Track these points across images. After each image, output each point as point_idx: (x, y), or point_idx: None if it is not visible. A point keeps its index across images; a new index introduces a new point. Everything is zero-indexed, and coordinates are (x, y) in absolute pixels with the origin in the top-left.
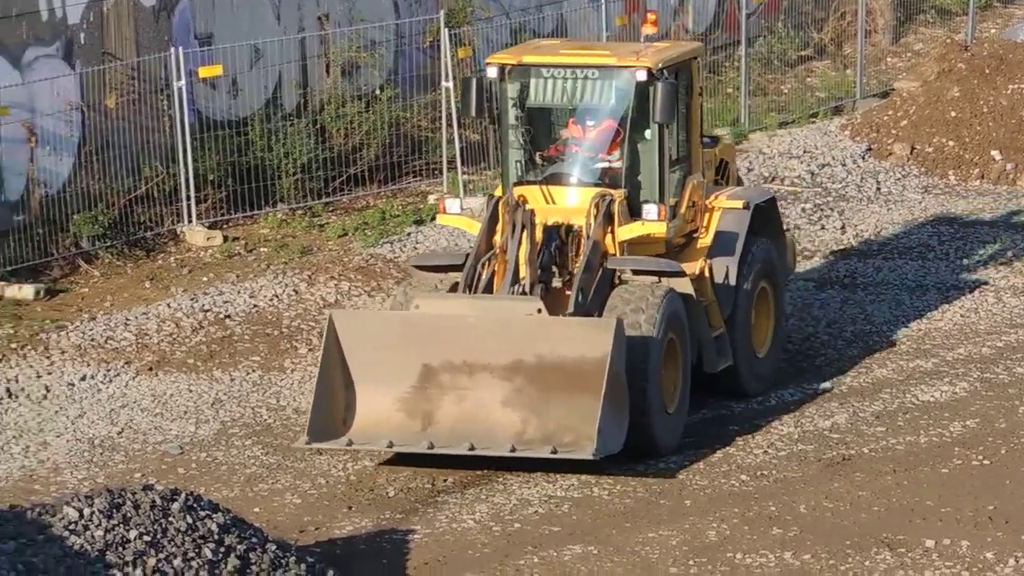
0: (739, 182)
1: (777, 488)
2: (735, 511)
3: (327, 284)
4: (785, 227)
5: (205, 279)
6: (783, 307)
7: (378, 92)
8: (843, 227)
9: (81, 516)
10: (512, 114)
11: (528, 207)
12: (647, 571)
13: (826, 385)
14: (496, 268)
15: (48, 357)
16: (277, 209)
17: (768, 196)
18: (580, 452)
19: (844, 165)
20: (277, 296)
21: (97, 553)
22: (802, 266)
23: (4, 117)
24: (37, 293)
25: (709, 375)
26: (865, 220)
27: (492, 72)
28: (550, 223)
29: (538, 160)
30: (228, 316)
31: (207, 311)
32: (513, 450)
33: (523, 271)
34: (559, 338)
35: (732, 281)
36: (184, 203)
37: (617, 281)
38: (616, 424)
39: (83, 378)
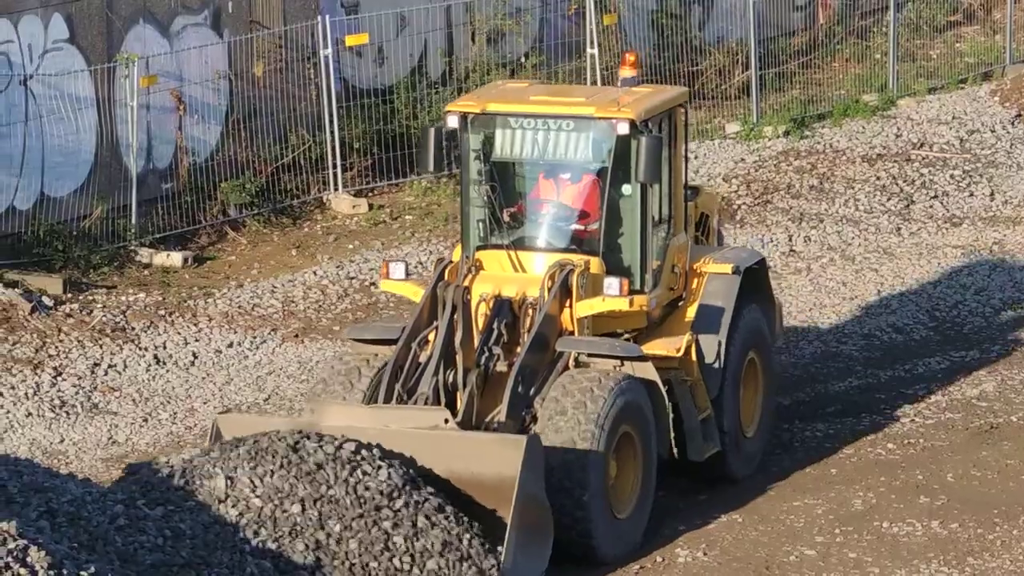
0: (720, 238)
1: (924, 457)
2: (881, 479)
3: None
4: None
5: (351, 247)
6: (772, 380)
7: (523, 60)
8: (992, 194)
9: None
10: (474, 168)
11: (464, 284)
12: (792, 539)
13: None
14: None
15: (196, 324)
16: (422, 177)
17: (758, 258)
18: None
19: (993, 131)
20: (422, 263)
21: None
22: (952, 233)
23: (152, 86)
24: (185, 261)
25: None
26: (1014, 187)
27: (452, 122)
28: (504, 295)
29: (505, 220)
30: (373, 283)
31: (352, 278)
32: None
33: (458, 356)
34: (468, 454)
35: (720, 358)
36: (330, 171)
37: (573, 364)
38: (533, 553)
39: (230, 345)
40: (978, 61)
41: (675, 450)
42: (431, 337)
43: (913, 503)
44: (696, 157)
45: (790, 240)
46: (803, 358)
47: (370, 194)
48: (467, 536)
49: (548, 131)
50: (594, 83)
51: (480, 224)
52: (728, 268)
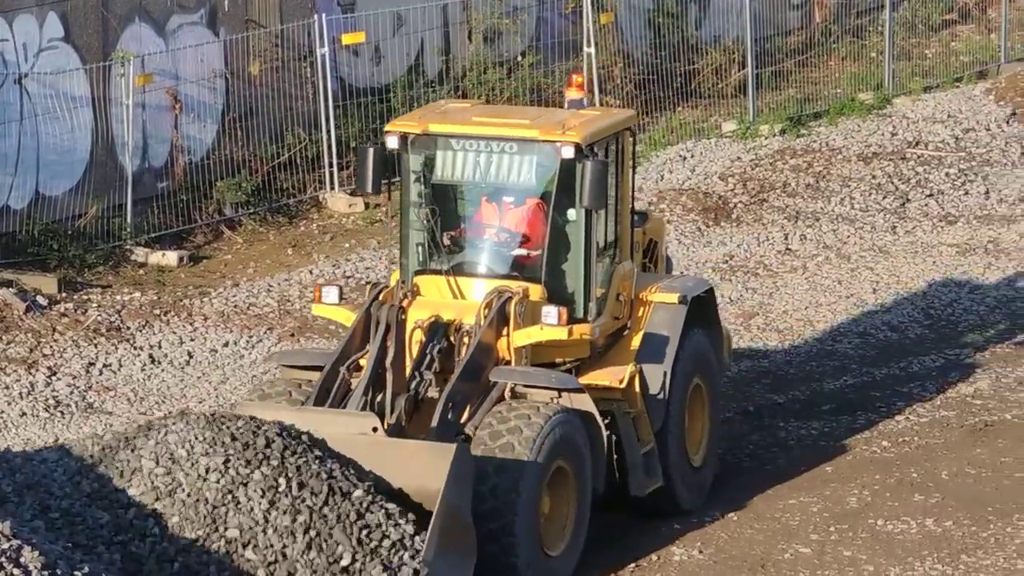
0: (668, 264)
1: (919, 454)
2: (876, 477)
3: None
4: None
5: (347, 245)
6: (718, 407)
7: (520, 58)
8: (987, 192)
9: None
10: (414, 191)
11: (401, 303)
12: (788, 537)
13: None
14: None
15: (191, 323)
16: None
17: (706, 287)
18: None
19: (988, 130)
20: None
21: None
22: (948, 232)
23: (148, 84)
24: (180, 260)
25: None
26: (1009, 185)
27: (392, 142)
28: (443, 320)
29: (445, 244)
30: (369, 282)
31: (349, 277)
32: None
33: (388, 377)
34: (395, 463)
35: (665, 389)
36: (326, 170)
37: (509, 394)
38: (456, 571)
39: (226, 344)
40: (973, 60)
41: (617, 485)
42: (362, 362)
43: (908, 501)
44: (692, 156)
45: (786, 239)
46: (798, 356)
47: (366, 193)
48: (399, 527)
49: (491, 153)
50: (591, 81)
51: (419, 248)
52: (675, 297)
